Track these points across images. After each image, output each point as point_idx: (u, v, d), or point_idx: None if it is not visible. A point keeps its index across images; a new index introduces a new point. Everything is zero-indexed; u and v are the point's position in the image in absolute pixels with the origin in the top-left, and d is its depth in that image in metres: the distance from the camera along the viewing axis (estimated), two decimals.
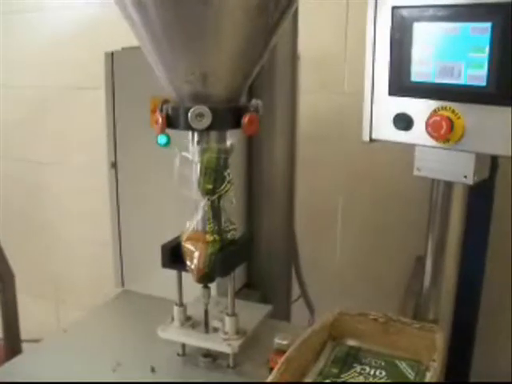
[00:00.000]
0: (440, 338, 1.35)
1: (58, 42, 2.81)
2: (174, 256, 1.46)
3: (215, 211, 1.40)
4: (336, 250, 2.46)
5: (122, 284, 1.97)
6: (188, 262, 1.43)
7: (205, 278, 1.45)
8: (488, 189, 1.87)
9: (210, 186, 1.37)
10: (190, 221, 1.43)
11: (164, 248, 1.47)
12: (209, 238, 1.40)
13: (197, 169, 1.37)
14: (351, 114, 1.56)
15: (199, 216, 1.41)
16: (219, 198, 1.40)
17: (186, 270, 1.44)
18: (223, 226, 1.43)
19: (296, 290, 2.17)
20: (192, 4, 1.20)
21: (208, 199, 1.39)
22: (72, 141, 2.93)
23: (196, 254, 1.41)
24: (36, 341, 1.80)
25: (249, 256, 1.64)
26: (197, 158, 1.37)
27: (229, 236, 1.44)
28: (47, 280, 3.24)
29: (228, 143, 1.38)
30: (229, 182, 1.38)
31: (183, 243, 1.43)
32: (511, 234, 2.11)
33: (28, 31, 2.89)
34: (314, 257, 2.35)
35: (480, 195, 1.52)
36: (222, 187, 1.38)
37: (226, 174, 1.38)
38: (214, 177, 1.36)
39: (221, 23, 1.24)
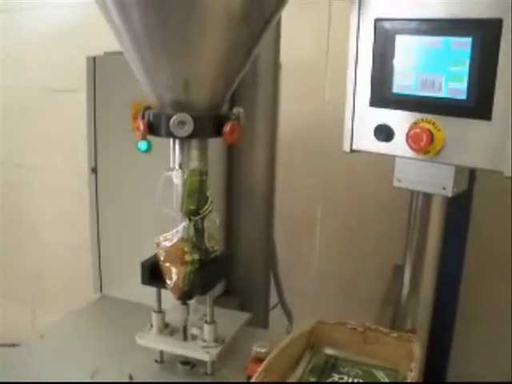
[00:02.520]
0: (417, 348, 1.36)
1: (40, 43, 2.80)
2: (153, 272, 1.46)
3: (198, 232, 1.40)
4: (314, 258, 2.47)
5: (101, 289, 1.96)
6: (167, 281, 1.42)
7: (184, 296, 1.45)
8: (466, 200, 1.89)
9: (193, 207, 1.37)
10: (168, 238, 1.42)
11: (143, 265, 1.47)
12: (187, 258, 1.39)
13: (178, 190, 1.37)
14: (331, 123, 1.57)
15: (179, 235, 1.40)
16: (202, 218, 1.40)
17: (166, 288, 1.44)
18: (208, 246, 1.43)
19: (274, 298, 2.17)
20: (176, 10, 1.19)
21: (190, 220, 1.39)
22: (52, 143, 2.91)
23: (175, 273, 1.41)
24: (12, 345, 1.78)
25: (228, 274, 1.65)
26: (179, 180, 1.37)
27: (211, 256, 1.44)
28: (23, 283, 3.22)
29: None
30: (211, 203, 1.39)
31: (161, 263, 1.42)
32: (487, 244, 2.13)
33: (9, 31, 2.87)
34: (293, 265, 2.36)
35: (458, 206, 1.53)
36: (206, 207, 1.38)
37: (208, 194, 1.39)
38: (197, 199, 1.37)
39: (204, 30, 1.24)
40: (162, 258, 1.42)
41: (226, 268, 1.58)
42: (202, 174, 1.38)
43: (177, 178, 1.37)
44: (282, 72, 1.89)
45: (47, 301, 3.17)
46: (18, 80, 2.90)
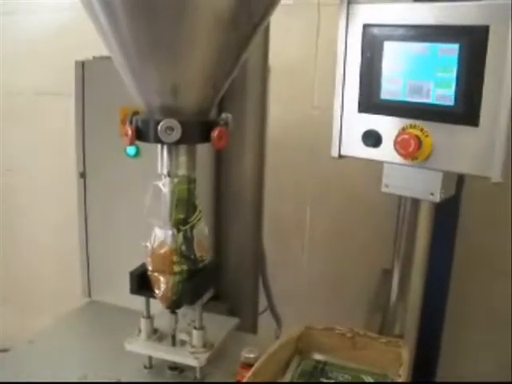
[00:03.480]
0: (406, 353, 1.36)
1: (29, 46, 2.79)
2: (142, 282, 1.45)
3: (187, 241, 1.40)
4: (303, 262, 2.47)
5: (89, 294, 1.95)
6: (156, 290, 1.42)
7: (173, 305, 1.45)
8: (454, 205, 1.89)
9: (182, 216, 1.37)
10: (157, 246, 1.41)
11: (132, 274, 1.47)
12: (176, 268, 1.39)
13: (166, 199, 1.36)
14: (320, 127, 1.57)
15: (168, 245, 1.40)
16: (191, 227, 1.39)
17: (154, 297, 1.44)
18: (197, 254, 1.42)
19: (263, 303, 2.17)
20: (163, 14, 1.19)
21: (179, 230, 1.38)
22: (41, 148, 2.90)
23: (163, 283, 1.40)
24: (2, 351, 1.77)
25: (216, 282, 1.65)
26: (167, 189, 1.36)
27: (200, 265, 1.44)
28: (12, 287, 3.20)
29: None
30: (200, 211, 1.39)
31: (150, 272, 1.42)
32: (475, 248, 2.14)
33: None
34: (282, 268, 2.35)
35: (446, 211, 1.54)
36: (194, 216, 1.38)
37: (196, 202, 1.38)
38: (185, 207, 1.37)
39: (192, 35, 1.23)
40: (150, 268, 1.42)
41: (215, 277, 1.58)
42: (190, 181, 1.37)
43: (165, 186, 1.36)
44: (271, 76, 1.89)
45: (36, 305, 3.15)
46: (6, 84, 2.89)
